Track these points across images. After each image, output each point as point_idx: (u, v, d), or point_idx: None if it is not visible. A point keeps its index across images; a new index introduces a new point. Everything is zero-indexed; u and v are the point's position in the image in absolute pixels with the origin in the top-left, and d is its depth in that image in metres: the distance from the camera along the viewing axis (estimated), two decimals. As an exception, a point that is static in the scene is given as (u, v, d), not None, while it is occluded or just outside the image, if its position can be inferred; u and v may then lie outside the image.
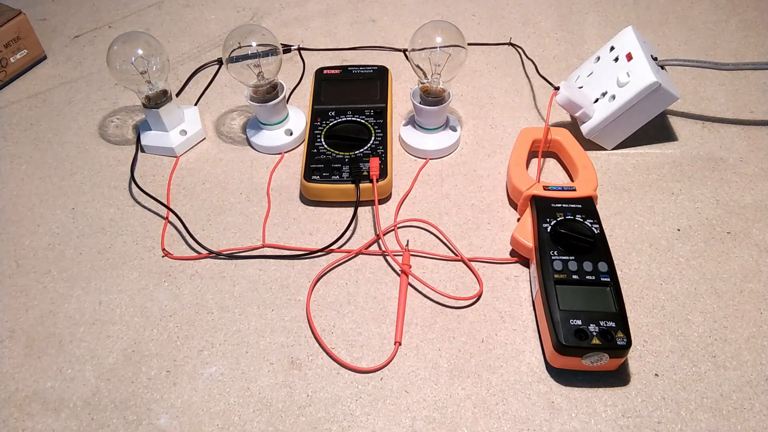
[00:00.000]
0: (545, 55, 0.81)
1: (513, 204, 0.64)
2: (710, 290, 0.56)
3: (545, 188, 0.59)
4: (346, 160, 0.64)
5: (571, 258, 0.52)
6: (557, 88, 0.65)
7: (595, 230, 0.55)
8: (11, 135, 0.75)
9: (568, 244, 0.53)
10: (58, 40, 0.89)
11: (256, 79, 0.66)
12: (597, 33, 0.85)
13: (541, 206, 0.57)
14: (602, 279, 0.51)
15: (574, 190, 0.59)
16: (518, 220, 0.62)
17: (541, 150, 0.67)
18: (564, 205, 0.57)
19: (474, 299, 0.56)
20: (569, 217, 0.56)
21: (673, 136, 0.70)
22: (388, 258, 0.60)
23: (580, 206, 0.57)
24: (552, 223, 0.55)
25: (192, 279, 0.59)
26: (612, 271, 0.52)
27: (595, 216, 0.56)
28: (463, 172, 0.68)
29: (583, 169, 0.62)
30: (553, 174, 0.67)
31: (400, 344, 0.53)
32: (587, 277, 0.51)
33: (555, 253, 0.53)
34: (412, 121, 0.70)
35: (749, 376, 0.50)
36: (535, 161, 0.68)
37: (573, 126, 0.70)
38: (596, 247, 0.53)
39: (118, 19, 0.92)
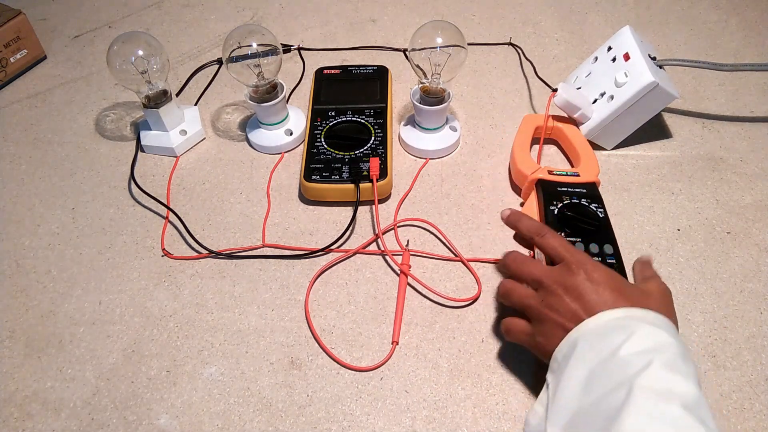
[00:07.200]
0: (545, 55, 0.81)
1: (516, 190, 0.64)
2: (710, 290, 0.56)
3: (550, 173, 0.60)
4: (346, 160, 0.64)
5: (578, 240, 0.53)
6: (555, 90, 0.66)
7: (600, 214, 0.55)
8: (11, 135, 0.75)
9: (575, 227, 0.54)
10: (58, 40, 0.89)
11: (256, 79, 0.66)
12: (597, 33, 0.85)
13: (548, 190, 0.58)
14: (608, 261, 0.51)
15: (578, 175, 0.60)
16: (522, 204, 0.63)
17: (543, 136, 0.67)
18: (569, 189, 0.58)
19: (471, 301, 0.56)
20: (575, 201, 0.56)
21: (673, 136, 0.70)
22: (388, 258, 0.60)
23: (584, 191, 0.57)
24: (559, 206, 0.56)
25: (192, 279, 0.59)
26: (617, 254, 0.52)
27: (599, 200, 0.57)
28: (463, 172, 0.68)
29: (585, 156, 0.63)
30: (553, 162, 0.67)
31: (397, 344, 0.53)
32: (594, 258, 0.51)
33: (562, 234, 0.53)
34: (412, 121, 0.70)
35: (749, 376, 0.50)
36: (535, 148, 0.68)
37: (573, 126, 0.70)
38: (602, 230, 0.54)
39: (118, 19, 0.92)
